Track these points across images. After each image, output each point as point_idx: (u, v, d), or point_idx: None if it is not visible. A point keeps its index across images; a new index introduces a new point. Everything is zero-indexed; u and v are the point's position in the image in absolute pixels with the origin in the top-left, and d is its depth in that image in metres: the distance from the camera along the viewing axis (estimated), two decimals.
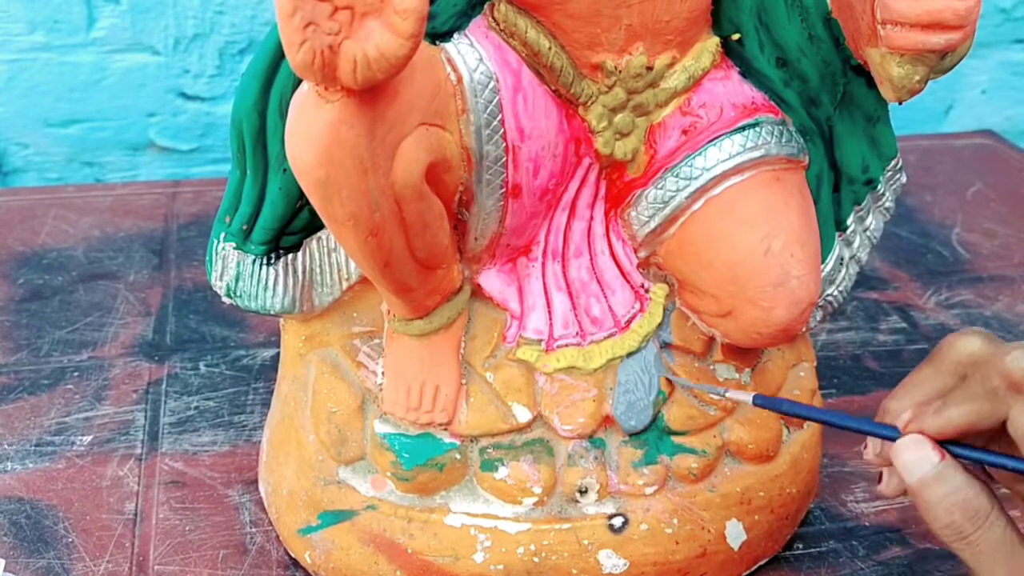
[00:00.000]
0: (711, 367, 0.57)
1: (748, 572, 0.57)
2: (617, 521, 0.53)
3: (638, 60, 0.50)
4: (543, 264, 0.55)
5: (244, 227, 0.52)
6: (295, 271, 0.54)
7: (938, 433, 0.41)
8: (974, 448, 0.41)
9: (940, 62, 0.48)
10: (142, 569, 0.57)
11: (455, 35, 0.48)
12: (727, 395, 0.52)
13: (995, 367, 0.39)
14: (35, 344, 0.75)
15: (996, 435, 0.41)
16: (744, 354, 0.57)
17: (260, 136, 0.49)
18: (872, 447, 0.46)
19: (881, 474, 0.46)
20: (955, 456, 0.42)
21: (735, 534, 0.55)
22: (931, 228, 0.94)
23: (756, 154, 0.51)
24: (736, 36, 0.52)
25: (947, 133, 1.16)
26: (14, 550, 0.58)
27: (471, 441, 0.54)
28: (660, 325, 0.56)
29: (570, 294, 0.55)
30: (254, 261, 0.53)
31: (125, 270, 0.84)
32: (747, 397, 0.51)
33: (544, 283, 0.55)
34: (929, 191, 0.99)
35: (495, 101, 0.48)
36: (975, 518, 0.40)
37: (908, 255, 0.89)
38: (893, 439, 0.43)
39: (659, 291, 0.56)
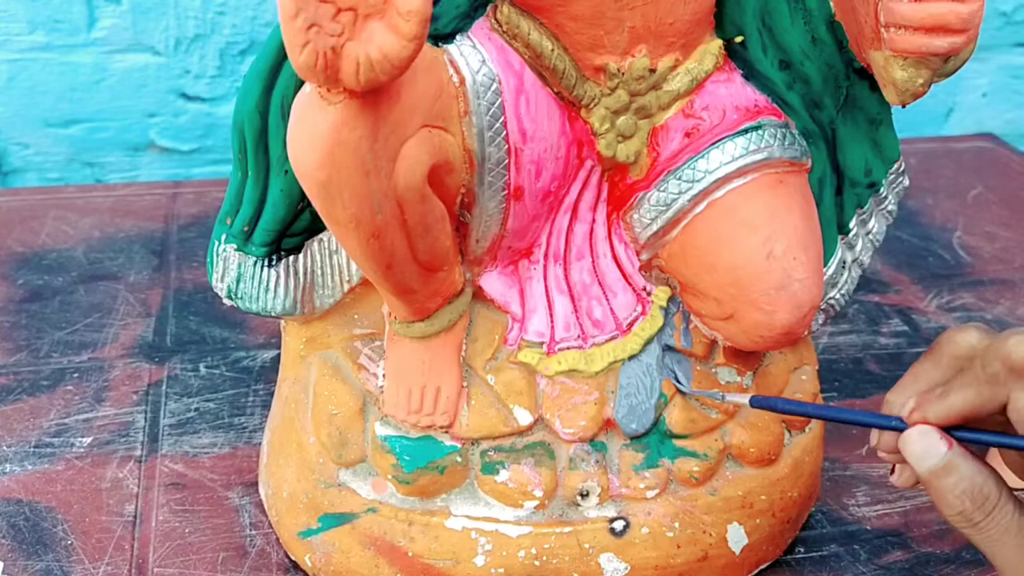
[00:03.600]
0: (713, 370, 0.56)
1: None
2: (618, 524, 0.53)
3: (641, 62, 0.50)
4: (545, 266, 0.55)
5: (245, 229, 0.52)
6: (296, 273, 0.54)
7: (941, 420, 0.42)
8: (981, 431, 0.42)
9: (943, 65, 0.48)
10: (141, 572, 0.57)
11: (458, 37, 0.48)
12: (726, 399, 0.53)
13: (995, 352, 0.40)
14: (35, 345, 0.75)
15: (999, 420, 0.42)
16: (746, 357, 0.57)
17: (262, 138, 0.49)
18: (875, 438, 0.47)
19: (893, 466, 0.47)
20: (963, 442, 0.42)
21: (736, 538, 0.55)
22: (932, 231, 0.93)
23: (759, 157, 0.51)
24: (739, 38, 0.52)
25: (948, 136, 1.16)
26: (12, 552, 0.58)
27: (472, 444, 0.54)
28: (661, 328, 0.56)
29: (572, 297, 0.55)
30: (255, 263, 0.53)
31: (125, 271, 0.84)
32: (744, 399, 0.51)
33: (546, 285, 0.55)
34: (930, 194, 0.99)
35: (497, 103, 0.48)
36: (984, 505, 0.41)
37: (909, 258, 0.89)
38: (899, 430, 0.43)
39: (661, 294, 0.56)
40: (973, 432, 0.42)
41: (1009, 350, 0.39)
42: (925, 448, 0.42)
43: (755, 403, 0.51)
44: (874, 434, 0.46)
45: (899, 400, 0.44)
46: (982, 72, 1.16)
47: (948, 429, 0.42)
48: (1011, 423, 0.41)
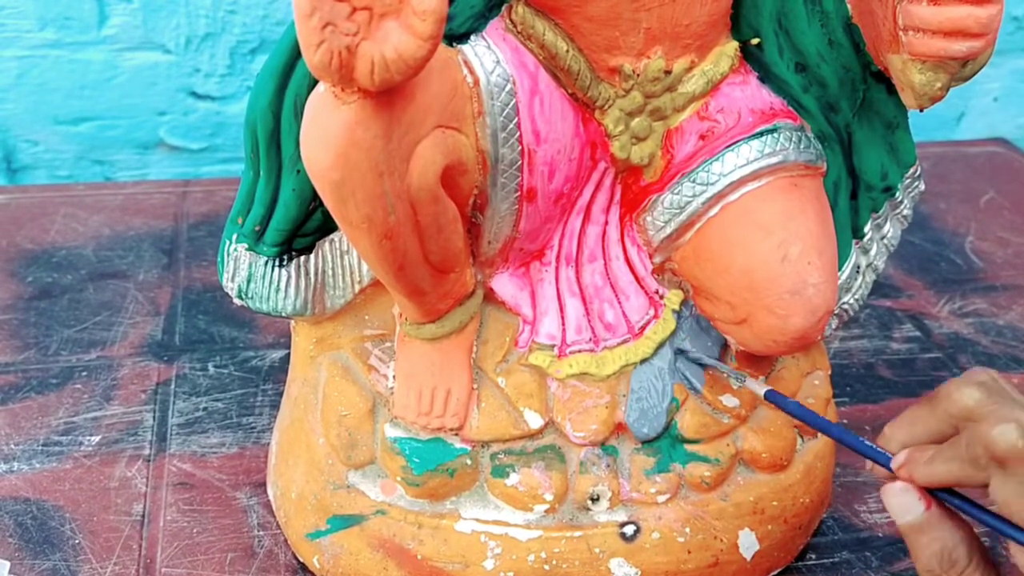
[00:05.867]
0: (725, 374, 0.56)
1: None
2: (629, 529, 0.53)
3: (656, 64, 0.49)
4: (557, 269, 0.55)
5: (257, 228, 0.52)
6: (307, 273, 0.54)
7: (925, 483, 0.43)
8: (963, 498, 0.42)
9: (962, 69, 0.47)
10: (149, 571, 0.56)
11: (472, 37, 0.48)
12: (745, 383, 0.53)
13: (979, 437, 0.40)
14: (43, 343, 0.74)
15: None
16: (758, 362, 0.56)
17: (274, 137, 0.49)
18: (869, 464, 0.47)
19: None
20: (943, 502, 0.43)
21: (748, 544, 0.55)
22: (944, 236, 0.93)
23: (774, 160, 0.51)
24: (755, 41, 0.51)
25: (959, 141, 1.15)
26: (19, 551, 0.57)
27: (482, 447, 0.53)
28: (674, 332, 0.55)
29: (584, 299, 0.55)
30: (266, 263, 0.53)
31: (135, 269, 0.83)
32: (761, 389, 0.51)
33: (557, 288, 0.55)
34: (942, 198, 0.99)
35: (512, 104, 0.47)
36: (952, 569, 0.42)
37: (921, 263, 0.89)
38: (886, 467, 0.44)
39: (674, 297, 0.55)
40: (955, 498, 0.42)
41: (993, 439, 0.39)
42: (903, 504, 0.43)
43: (769, 396, 0.51)
44: (868, 461, 0.47)
45: (895, 437, 0.44)
46: (994, 77, 1.15)
47: (933, 492, 0.43)
48: None
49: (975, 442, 0.40)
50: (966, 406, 0.41)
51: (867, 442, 0.46)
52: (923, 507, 0.42)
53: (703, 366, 0.55)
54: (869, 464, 0.46)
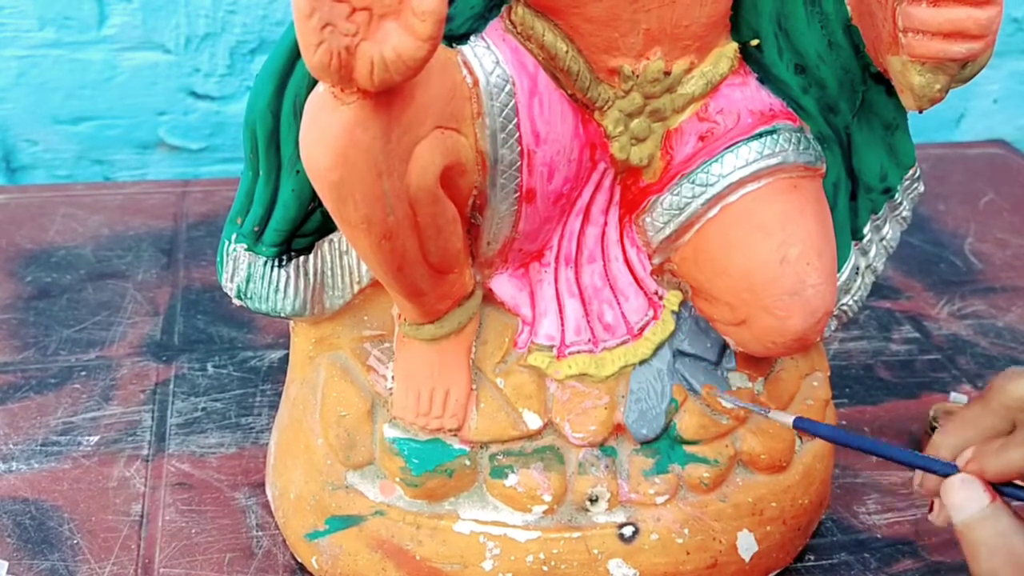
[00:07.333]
0: (724, 375, 0.56)
1: None
2: (627, 530, 0.53)
3: (656, 65, 0.49)
4: (556, 269, 0.55)
5: (256, 229, 0.52)
6: (306, 273, 0.53)
7: (997, 475, 0.41)
8: None
9: (961, 71, 0.47)
10: (147, 572, 0.56)
11: (472, 37, 0.48)
12: (769, 415, 0.52)
13: None
14: (42, 343, 0.74)
15: None
16: (758, 363, 0.56)
17: (273, 137, 0.49)
18: (918, 479, 0.46)
19: (932, 503, 0.46)
20: (1008, 500, 0.41)
21: (746, 545, 0.55)
22: (944, 237, 0.93)
23: (773, 161, 0.51)
24: (755, 42, 0.51)
25: (959, 142, 1.15)
26: (18, 551, 0.57)
27: (481, 447, 0.53)
28: (673, 333, 0.55)
29: (583, 300, 0.55)
30: (265, 263, 0.53)
31: (134, 269, 0.83)
32: (788, 419, 0.50)
33: (556, 289, 0.55)
34: (942, 200, 0.99)
35: (511, 105, 0.47)
36: (1017, 566, 0.40)
37: (921, 264, 0.89)
38: (944, 474, 0.42)
39: (673, 298, 0.55)
40: (1021, 490, 0.41)
41: None
42: (966, 497, 0.41)
43: (798, 424, 0.50)
44: (917, 474, 0.45)
45: (947, 443, 0.43)
46: (993, 78, 1.16)
47: (999, 487, 0.42)
48: None
49: None
50: (1022, 395, 0.41)
51: (920, 454, 0.44)
52: (988, 498, 0.41)
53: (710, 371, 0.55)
54: (917, 480, 0.44)
